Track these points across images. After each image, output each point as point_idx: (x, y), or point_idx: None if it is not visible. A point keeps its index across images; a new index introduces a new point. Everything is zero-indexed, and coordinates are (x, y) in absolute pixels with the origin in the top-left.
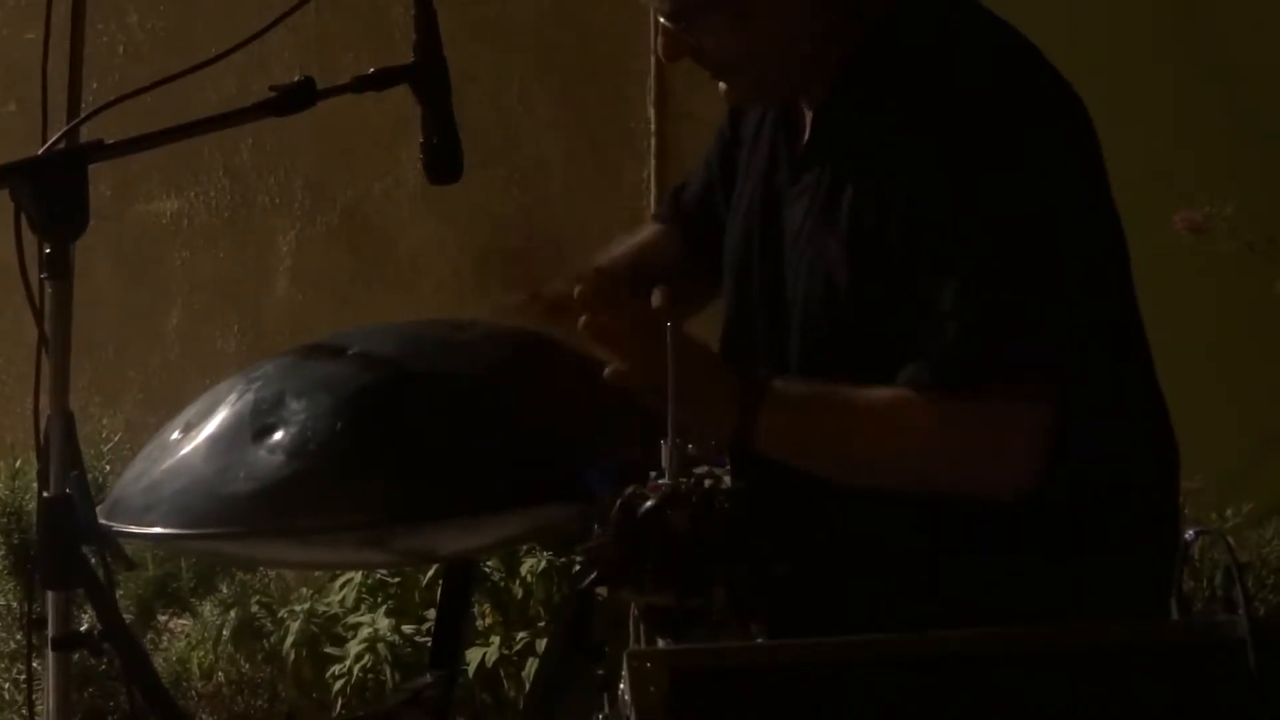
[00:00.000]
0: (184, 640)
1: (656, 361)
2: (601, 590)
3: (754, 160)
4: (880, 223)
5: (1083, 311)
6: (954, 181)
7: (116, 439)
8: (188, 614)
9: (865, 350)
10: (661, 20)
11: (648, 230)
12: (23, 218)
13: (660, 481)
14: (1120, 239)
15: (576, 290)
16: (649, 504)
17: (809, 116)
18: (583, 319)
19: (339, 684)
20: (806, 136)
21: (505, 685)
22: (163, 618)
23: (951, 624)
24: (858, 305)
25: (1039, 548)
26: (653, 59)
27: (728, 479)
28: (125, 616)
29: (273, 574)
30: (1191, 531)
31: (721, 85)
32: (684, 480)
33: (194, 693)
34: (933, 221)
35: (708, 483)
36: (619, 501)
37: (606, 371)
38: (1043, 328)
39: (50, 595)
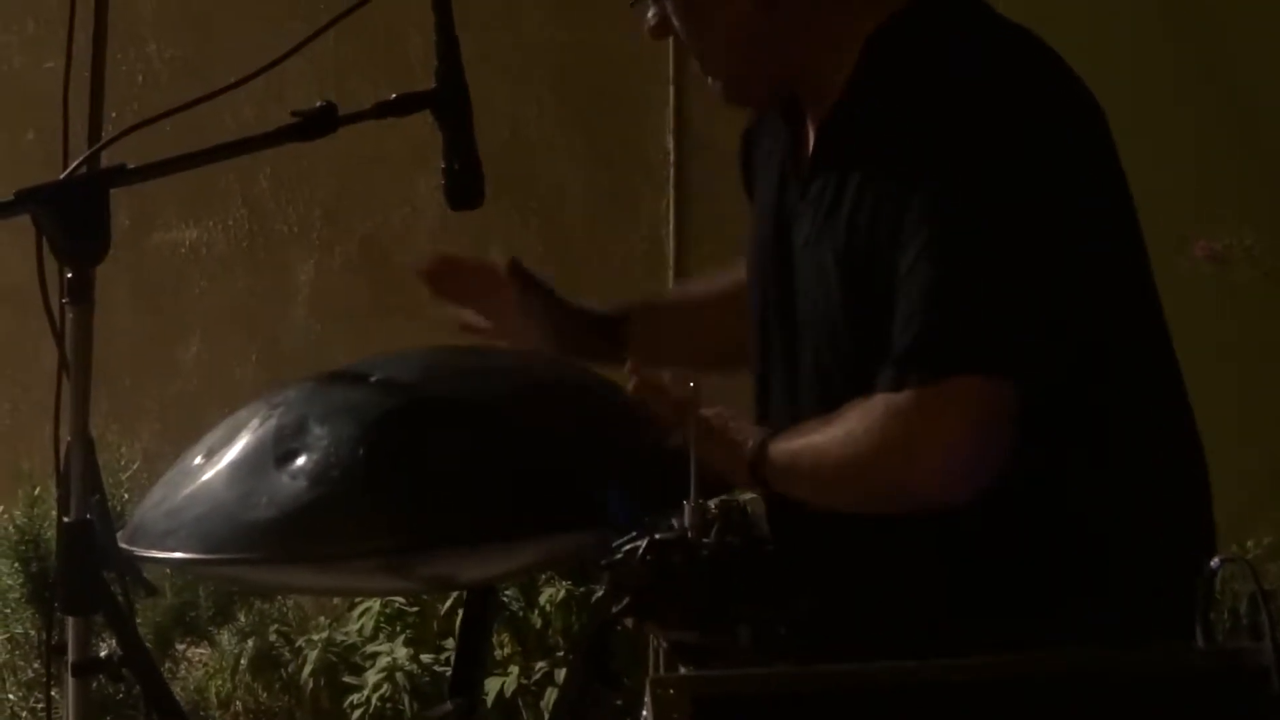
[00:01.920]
0: (202, 669)
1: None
2: (628, 621)
3: (765, 180)
4: (870, 231)
5: (1061, 312)
6: (933, 187)
7: (134, 468)
8: (206, 643)
9: (861, 358)
10: None
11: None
12: (44, 242)
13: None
14: (1136, 248)
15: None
16: (674, 535)
17: (815, 129)
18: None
19: (357, 713)
20: (812, 149)
21: (524, 715)
22: (181, 646)
23: (974, 651)
24: (848, 314)
25: (1062, 573)
26: (672, 89)
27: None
28: None
29: (290, 603)
30: (1216, 560)
31: (709, 80)
32: (710, 512)
33: None
34: (908, 223)
35: (732, 516)
36: (647, 533)
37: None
38: (988, 323)
39: (70, 621)
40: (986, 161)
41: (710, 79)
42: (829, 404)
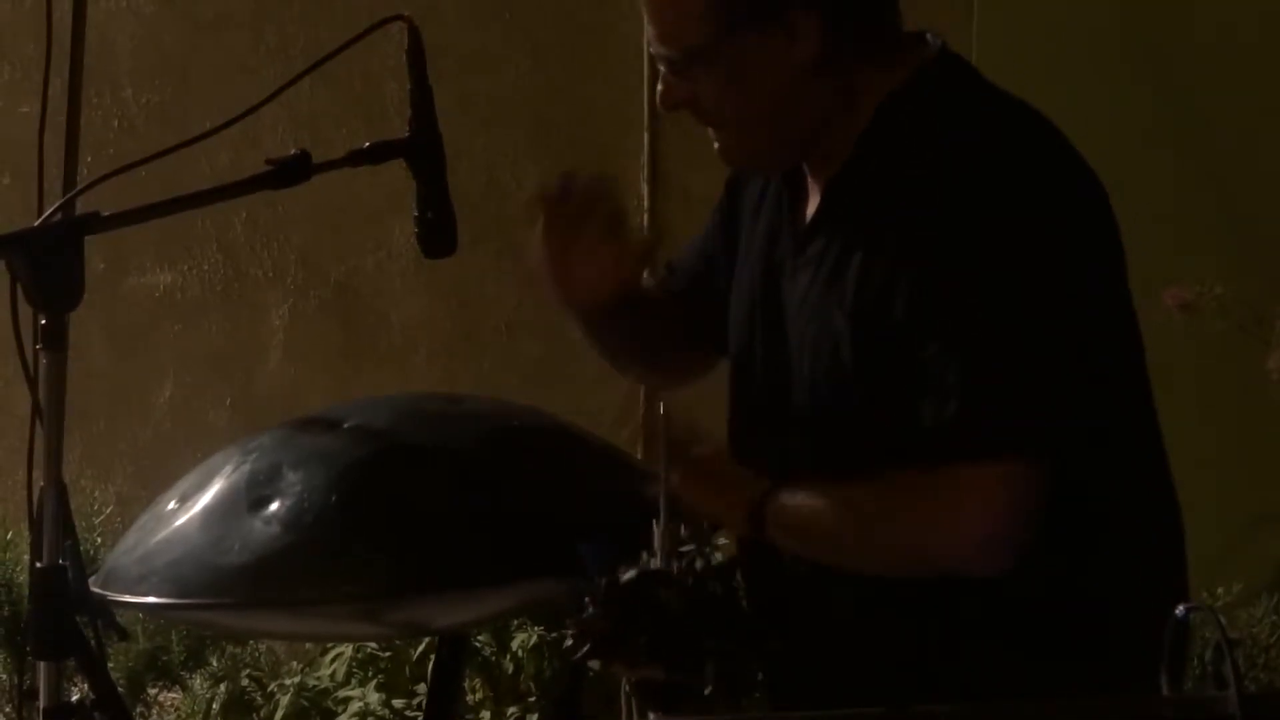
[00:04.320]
0: (174, 714)
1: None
2: (593, 664)
3: (754, 236)
4: (884, 296)
5: (1081, 392)
6: (957, 261)
7: (108, 512)
8: (178, 687)
9: (872, 422)
10: (661, 68)
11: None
12: (18, 288)
13: (652, 560)
14: (1132, 322)
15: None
16: (634, 574)
17: (817, 188)
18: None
19: None
20: (815, 208)
21: None
22: (153, 691)
23: (942, 698)
24: (862, 378)
25: (1035, 627)
26: (646, 136)
27: (718, 555)
28: None
29: (263, 647)
30: (1182, 608)
31: (715, 144)
32: (675, 558)
33: None
34: (932, 298)
35: (698, 563)
36: (610, 576)
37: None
38: (1030, 405)
39: (42, 666)
40: (1012, 240)
41: (719, 144)
42: (828, 456)
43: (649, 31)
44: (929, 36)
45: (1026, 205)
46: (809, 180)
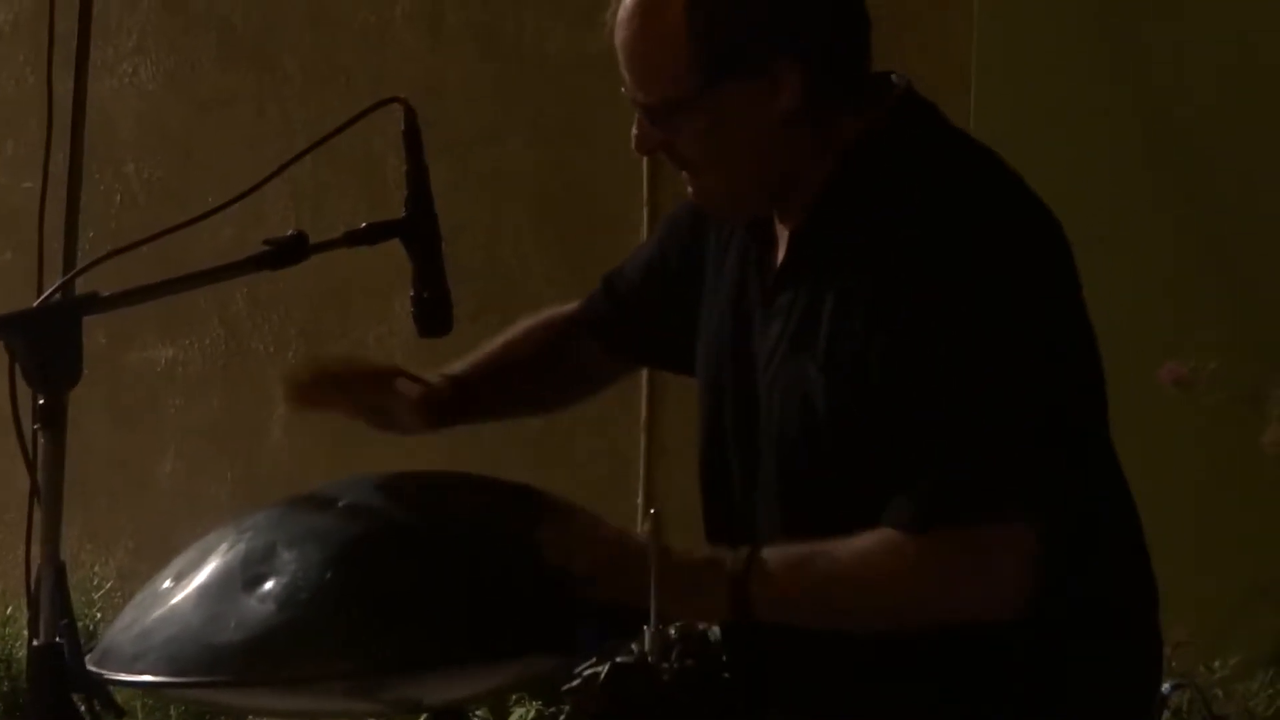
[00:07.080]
0: None
1: (624, 575)
2: None
3: (720, 281)
4: (859, 349)
5: (1064, 438)
6: (934, 315)
7: (108, 587)
8: None
9: (845, 474)
10: (637, 113)
11: (538, 322)
12: (17, 368)
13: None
14: (1096, 365)
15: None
16: (632, 657)
17: (785, 236)
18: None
19: None
20: (782, 257)
21: None
22: None
23: None
24: (836, 430)
25: (1028, 693)
26: (645, 211)
27: (715, 630)
28: None
29: None
30: (1168, 685)
31: (689, 188)
32: (670, 637)
33: None
34: (912, 354)
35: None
36: (607, 659)
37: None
38: (1025, 458)
39: None
40: (987, 288)
41: (694, 189)
42: (800, 511)
43: (624, 78)
44: (894, 77)
45: (994, 258)
46: (777, 228)
